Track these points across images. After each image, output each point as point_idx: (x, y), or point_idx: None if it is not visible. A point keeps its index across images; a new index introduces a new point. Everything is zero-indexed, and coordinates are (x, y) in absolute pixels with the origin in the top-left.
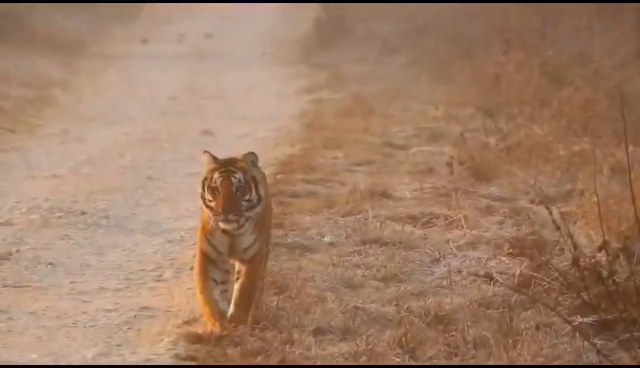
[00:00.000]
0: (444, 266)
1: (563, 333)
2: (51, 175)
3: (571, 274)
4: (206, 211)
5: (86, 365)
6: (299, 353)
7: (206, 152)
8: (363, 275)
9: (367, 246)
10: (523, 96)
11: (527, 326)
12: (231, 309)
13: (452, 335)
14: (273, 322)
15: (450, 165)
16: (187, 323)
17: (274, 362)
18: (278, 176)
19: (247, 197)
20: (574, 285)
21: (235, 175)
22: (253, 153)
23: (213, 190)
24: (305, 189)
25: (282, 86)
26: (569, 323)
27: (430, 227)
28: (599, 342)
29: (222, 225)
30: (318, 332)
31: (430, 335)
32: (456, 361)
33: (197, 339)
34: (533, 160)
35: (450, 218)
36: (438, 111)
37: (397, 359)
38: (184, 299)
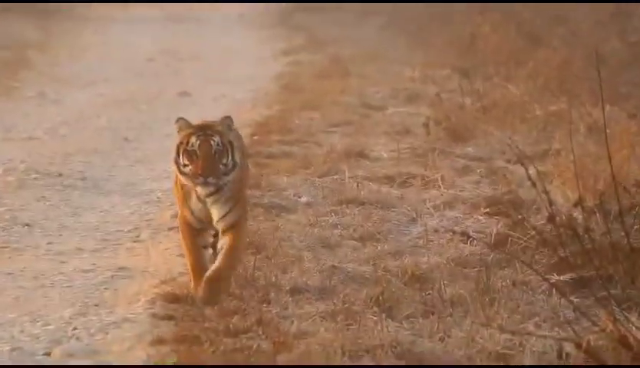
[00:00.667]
0: (421, 225)
1: (540, 290)
2: (27, 137)
3: (547, 232)
4: (181, 177)
5: (90, 365)
6: (276, 312)
7: (180, 118)
8: (340, 235)
9: (344, 206)
10: (499, 56)
11: (504, 284)
12: (204, 282)
13: (429, 293)
14: (250, 281)
15: (426, 125)
16: (164, 282)
17: (250, 321)
18: (255, 137)
19: (224, 161)
20: (550, 242)
21: (214, 138)
22: (229, 117)
23: (190, 154)
24: (281, 150)
25: (259, 48)
26: (546, 280)
27: (407, 187)
28: (576, 299)
29: (199, 190)
30: (295, 291)
31: (407, 294)
32: (433, 319)
33: (174, 298)
34: (509, 120)
35: (427, 178)
36: (415, 72)
37: (375, 318)
38: (161, 259)
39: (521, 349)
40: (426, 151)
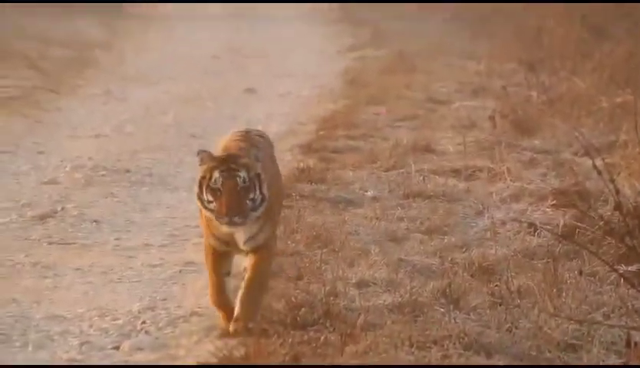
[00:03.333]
0: (488, 218)
1: (608, 281)
2: (94, 135)
3: (614, 222)
4: (205, 213)
5: (91, 365)
6: (343, 305)
7: (202, 150)
8: (407, 228)
9: (411, 200)
10: (565, 49)
11: (571, 275)
12: (237, 308)
13: (496, 285)
14: (317, 275)
15: (492, 118)
16: (232, 276)
17: (318, 314)
18: (321, 132)
19: (251, 196)
20: (617, 233)
21: (239, 174)
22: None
23: (214, 191)
24: (347, 145)
25: (324, 44)
26: (614, 270)
27: (474, 180)
28: None
29: (225, 229)
30: (362, 284)
31: (474, 285)
32: (500, 310)
33: None
34: (576, 113)
35: (493, 171)
36: (480, 66)
37: (442, 310)
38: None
39: (589, 339)
40: (492, 144)
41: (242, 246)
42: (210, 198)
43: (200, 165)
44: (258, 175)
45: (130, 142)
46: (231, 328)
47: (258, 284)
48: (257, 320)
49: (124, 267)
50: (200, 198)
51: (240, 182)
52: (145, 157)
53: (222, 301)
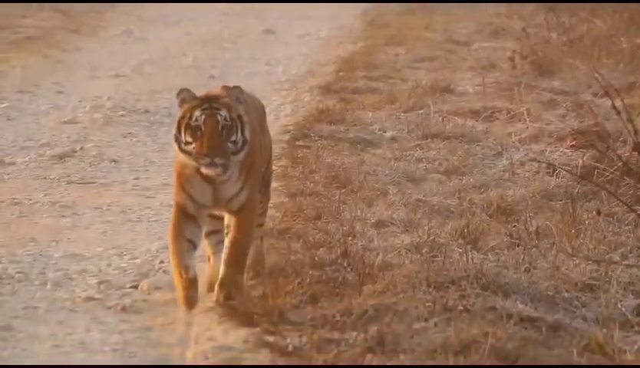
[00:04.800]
0: (507, 159)
1: (626, 221)
2: (113, 75)
3: (633, 163)
4: (183, 156)
5: (94, 365)
6: (361, 245)
7: (183, 89)
8: (425, 169)
9: (429, 140)
10: None
11: (590, 215)
12: (221, 270)
13: (514, 226)
14: (335, 215)
15: (512, 59)
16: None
17: (336, 253)
18: (341, 73)
19: (233, 138)
20: (636, 173)
21: (221, 113)
22: (239, 88)
23: (194, 130)
24: (367, 86)
25: None
26: (633, 211)
27: (492, 121)
28: None
29: (205, 171)
30: (380, 224)
31: (493, 226)
32: (518, 251)
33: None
34: (596, 53)
35: (513, 112)
36: (500, 7)
37: (460, 250)
38: None
39: (607, 279)
40: (511, 85)
41: (225, 204)
42: (189, 139)
43: (180, 105)
44: (240, 117)
45: (150, 82)
46: (216, 295)
47: (241, 244)
48: (243, 285)
49: (143, 206)
50: (178, 140)
51: (222, 120)
52: (165, 97)
53: (182, 269)
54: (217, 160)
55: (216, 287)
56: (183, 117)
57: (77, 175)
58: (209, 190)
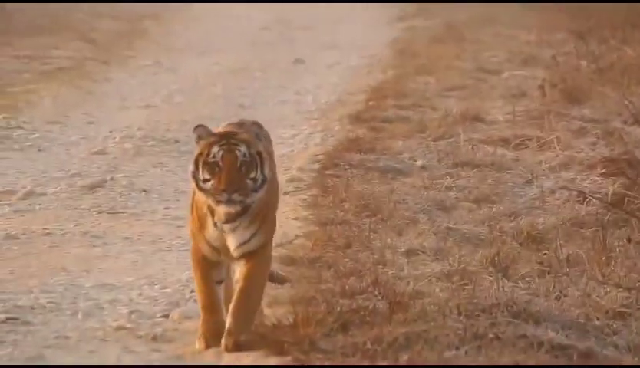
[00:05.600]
0: (537, 187)
1: None
2: (144, 105)
3: None
4: (200, 194)
5: (99, 365)
6: (392, 273)
7: (199, 126)
8: (455, 197)
9: (460, 169)
10: (615, 19)
11: (620, 243)
12: (228, 321)
13: (545, 253)
14: (365, 244)
15: (542, 88)
16: (280, 245)
17: (366, 282)
18: (371, 102)
19: (252, 175)
20: None
21: (239, 149)
22: (258, 124)
23: (212, 166)
24: (396, 114)
25: (372, 15)
26: None
27: (523, 149)
28: None
29: (223, 209)
30: (410, 253)
31: (523, 254)
32: (549, 279)
33: (291, 261)
34: (625, 82)
35: (543, 139)
36: (530, 36)
37: (490, 278)
38: (278, 223)
39: (638, 306)
40: (542, 113)
41: (233, 252)
42: (207, 176)
43: (197, 141)
44: (259, 154)
45: (179, 112)
46: (223, 342)
47: (250, 295)
48: (250, 333)
49: (173, 236)
50: (195, 177)
51: (240, 156)
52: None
53: (213, 309)
54: (235, 196)
55: (224, 336)
56: (200, 154)
57: (108, 206)
58: (220, 236)
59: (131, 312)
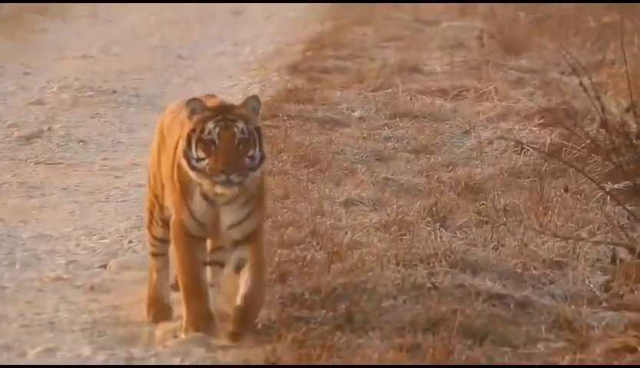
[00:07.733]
0: (475, 137)
1: (594, 199)
2: (81, 56)
3: (600, 140)
4: (192, 174)
5: (92, 365)
6: (330, 224)
7: (192, 99)
8: (393, 148)
9: (398, 119)
10: None
11: (558, 193)
12: (239, 306)
13: (482, 204)
14: (303, 194)
15: (480, 38)
16: None
17: (304, 232)
18: (308, 53)
19: (250, 153)
20: (604, 150)
21: (237, 125)
22: (255, 97)
23: (207, 144)
24: (334, 65)
25: None
26: (601, 188)
27: (461, 99)
28: (630, 206)
29: (220, 190)
30: (348, 203)
31: (461, 204)
32: (486, 228)
33: None
34: (563, 32)
35: (481, 90)
36: None
37: (428, 228)
38: None
39: (575, 256)
40: (479, 64)
41: (225, 231)
42: (201, 155)
43: (189, 116)
44: (257, 129)
45: (117, 62)
46: (235, 331)
47: (261, 285)
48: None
49: (111, 186)
50: (187, 156)
51: (238, 133)
52: (132, 78)
53: (198, 292)
54: (234, 177)
55: (232, 325)
56: (193, 130)
57: (45, 156)
58: (209, 209)
59: (69, 262)
